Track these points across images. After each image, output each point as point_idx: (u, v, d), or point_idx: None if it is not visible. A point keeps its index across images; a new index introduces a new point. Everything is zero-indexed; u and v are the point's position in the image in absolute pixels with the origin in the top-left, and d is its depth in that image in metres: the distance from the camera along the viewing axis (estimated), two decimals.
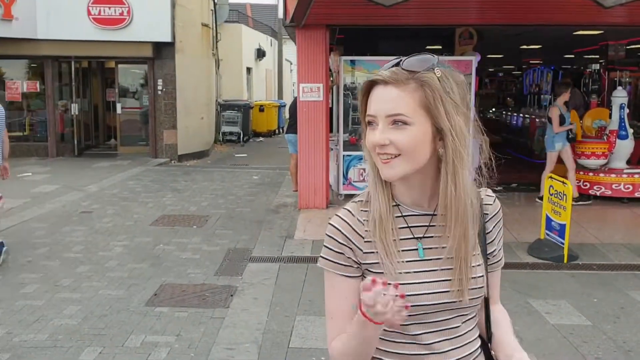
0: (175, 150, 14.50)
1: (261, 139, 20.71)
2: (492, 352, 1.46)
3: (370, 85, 1.33)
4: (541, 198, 8.56)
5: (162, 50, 14.15)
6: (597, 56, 15.97)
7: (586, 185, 8.95)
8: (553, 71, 14.86)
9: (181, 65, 14.45)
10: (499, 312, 1.51)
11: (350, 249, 1.35)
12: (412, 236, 1.37)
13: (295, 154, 9.36)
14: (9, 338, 4.37)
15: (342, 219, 1.38)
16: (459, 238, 1.32)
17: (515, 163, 13.00)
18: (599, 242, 6.86)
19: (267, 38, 28.05)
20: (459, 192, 1.31)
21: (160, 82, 14.31)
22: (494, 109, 18.53)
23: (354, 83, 8.83)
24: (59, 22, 13.33)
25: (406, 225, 1.37)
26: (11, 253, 6.43)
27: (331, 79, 9.46)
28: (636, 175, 8.96)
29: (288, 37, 19.88)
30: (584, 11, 7.66)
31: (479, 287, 1.37)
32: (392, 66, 1.32)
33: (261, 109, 21.15)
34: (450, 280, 1.33)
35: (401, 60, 1.32)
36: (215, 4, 18.04)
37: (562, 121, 8.60)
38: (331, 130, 9.20)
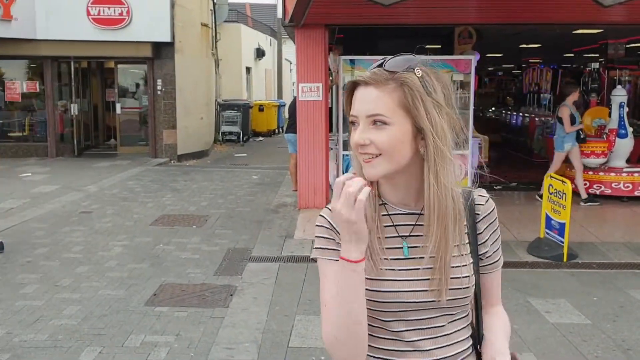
0: (174, 150, 14.50)
1: (261, 138, 20.71)
2: (481, 354, 1.45)
3: (353, 86, 1.35)
4: (541, 196, 8.56)
5: (162, 50, 14.15)
6: (597, 55, 15.97)
7: (586, 184, 8.93)
8: (553, 70, 14.86)
9: (181, 65, 14.45)
10: (494, 314, 1.49)
11: (337, 233, 1.36)
12: (397, 235, 1.38)
13: (294, 154, 9.36)
14: (8, 338, 4.37)
15: (329, 210, 1.39)
16: (440, 237, 1.33)
17: (514, 162, 13.02)
18: (598, 241, 6.86)
19: (267, 38, 28.05)
20: (441, 191, 1.31)
21: (159, 82, 14.31)
22: (493, 108, 18.52)
23: None
24: (58, 23, 13.33)
25: (392, 224, 1.38)
26: (11, 253, 6.44)
27: (330, 78, 9.46)
28: (636, 174, 8.96)
29: (287, 36, 19.87)
30: (583, 10, 7.66)
31: (464, 288, 1.36)
32: (376, 67, 1.33)
33: (261, 108, 21.15)
34: (433, 279, 1.33)
35: (385, 60, 1.33)
36: (214, 4, 18.04)
37: (572, 121, 8.54)
38: (331, 130, 9.20)
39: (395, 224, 1.38)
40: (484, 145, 11.17)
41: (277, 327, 4.60)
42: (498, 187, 10.24)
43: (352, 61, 8.87)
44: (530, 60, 19.50)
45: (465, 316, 1.43)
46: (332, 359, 1.36)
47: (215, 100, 18.49)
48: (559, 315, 4.81)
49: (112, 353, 4.14)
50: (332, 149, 9.06)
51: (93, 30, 13.51)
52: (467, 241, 1.40)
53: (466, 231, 1.41)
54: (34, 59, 14.48)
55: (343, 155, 8.87)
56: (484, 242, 1.43)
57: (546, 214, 6.46)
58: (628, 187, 8.88)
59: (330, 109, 9.63)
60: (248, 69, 23.92)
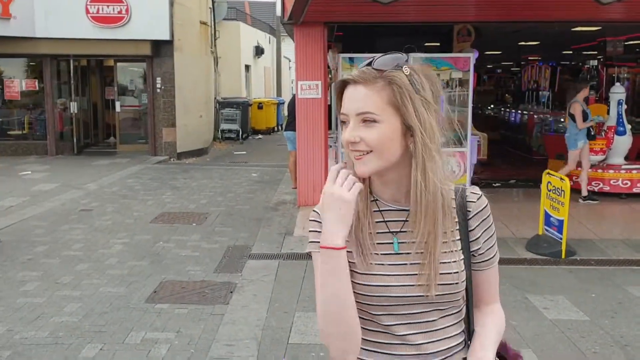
0: (174, 148, 14.51)
1: (260, 136, 20.72)
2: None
3: (343, 85, 1.38)
4: (587, 198, 8.57)
5: (161, 49, 14.16)
6: (596, 52, 15.99)
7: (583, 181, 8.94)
8: (551, 67, 14.88)
9: (180, 63, 14.46)
10: (489, 313, 1.49)
11: None
12: (388, 230, 1.40)
13: (294, 152, 9.37)
14: (9, 335, 4.39)
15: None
16: (428, 233, 1.35)
17: (513, 159, 13.05)
18: (597, 238, 6.88)
19: (266, 35, 28.04)
20: (428, 187, 1.33)
21: (159, 80, 14.32)
22: (492, 106, 18.54)
23: None
24: (57, 21, 13.33)
25: (382, 220, 1.41)
26: (11, 251, 6.46)
27: (330, 76, 9.48)
28: (634, 171, 8.99)
29: (286, 34, 19.87)
30: (582, 7, 7.67)
31: (454, 283, 1.37)
32: (364, 66, 1.36)
33: (260, 106, 21.16)
34: (422, 274, 1.35)
35: (373, 59, 1.35)
36: (213, 2, 18.04)
37: (584, 117, 8.52)
38: (330, 128, 9.22)
39: (386, 219, 1.41)
40: (483, 142, 11.18)
41: (277, 324, 4.63)
42: (497, 184, 10.27)
43: (351, 59, 8.87)
44: (529, 58, 19.51)
45: (458, 312, 1.44)
46: (328, 352, 1.38)
47: (215, 98, 18.50)
48: (557, 311, 4.83)
49: (112, 350, 4.16)
50: (331, 146, 9.07)
51: (92, 29, 13.51)
52: (458, 237, 1.41)
53: (457, 228, 1.42)
54: (33, 57, 14.48)
55: (342, 152, 8.90)
56: (475, 239, 1.44)
57: (545, 211, 6.49)
58: (626, 184, 8.91)
59: (330, 106, 9.65)
60: (247, 67, 23.92)
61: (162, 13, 13.78)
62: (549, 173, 6.61)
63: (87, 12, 13.45)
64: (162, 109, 14.39)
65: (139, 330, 4.50)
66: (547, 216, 6.45)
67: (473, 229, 1.43)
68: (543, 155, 11.83)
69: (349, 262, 1.34)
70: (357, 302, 1.34)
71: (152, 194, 9.87)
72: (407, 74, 1.33)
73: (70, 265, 6.10)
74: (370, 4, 6.64)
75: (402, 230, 1.39)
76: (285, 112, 12.30)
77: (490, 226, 1.46)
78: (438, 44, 12.36)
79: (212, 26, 17.82)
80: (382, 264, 1.37)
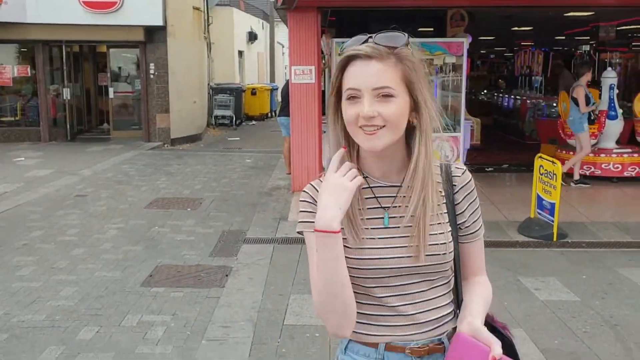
0: (168, 134, 14.49)
1: (254, 122, 20.69)
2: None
3: (348, 60, 1.39)
4: (579, 182, 8.66)
5: (154, 34, 14.08)
6: (588, 37, 16.02)
7: (574, 166, 9.01)
8: (544, 52, 14.90)
9: (173, 49, 14.39)
10: (477, 284, 1.53)
11: None
12: (379, 206, 1.44)
13: (288, 137, 9.39)
14: (7, 319, 4.42)
15: (312, 186, 1.47)
16: (420, 204, 1.40)
17: (506, 144, 13.11)
18: (588, 221, 6.96)
19: (259, 21, 27.89)
20: (429, 159, 1.41)
21: (152, 66, 14.25)
22: (485, 91, 18.57)
23: None
24: (48, 6, 13.21)
25: (373, 196, 1.45)
26: (6, 237, 6.48)
27: (323, 61, 9.47)
28: (625, 155, 9.06)
29: (280, 20, 19.80)
30: None
31: (442, 254, 1.42)
32: (362, 42, 1.39)
33: (253, 92, 21.10)
34: (411, 246, 1.40)
35: (371, 37, 1.39)
36: None
37: (587, 101, 8.57)
38: (324, 113, 9.23)
39: (377, 196, 1.45)
40: (476, 127, 11.23)
41: (272, 306, 4.68)
42: (490, 169, 10.33)
43: (344, 44, 8.87)
44: (522, 43, 19.51)
45: (447, 283, 1.49)
46: (325, 326, 1.42)
47: (208, 84, 18.44)
48: (549, 292, 4.90)
49: (109, 332, 4.20)
50: (325, 131, 9.10)
51: (84, 14, 13.40)
52: (444, 211, 1.46)
53: (444, 201, 1.47)
54: (25, 43, 14.38)
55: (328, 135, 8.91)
56: (461, 212, 1.49)
57: (537, 195, 6.55)
58: (617, 168, 8.98)
59: (323, 92, 9.66)
60: (240, 53, 23.82)
61: None
62: (541, 157, 6.66)
63: None
64: (155, 95, 14.35)
65: (135, 313, 4.55)
66: (539, 199, 6.51)
67: (459, 203, 1.49)
68: (535, 140, 11.90)
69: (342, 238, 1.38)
70: (351, 276, 1.37)
71: (146, 180, 9.88)
72: (412, 52, 1.39)
73: (66, 250, 6.12)
74: None
75: (392, 205, 1.44)
76: (279, 98, 12.27)
77: (475, 199, 1.51)
78: (431, 29, 12.34)
79: (205, 12, 17.72)
80: (373, 238, 1.41)
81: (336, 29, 11.02)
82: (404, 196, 1.42)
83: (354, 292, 1.39)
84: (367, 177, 1.46)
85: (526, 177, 9.04)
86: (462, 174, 1.50)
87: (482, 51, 23.79)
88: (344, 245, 1.37)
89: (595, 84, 10.88)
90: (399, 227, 1.42)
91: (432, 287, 1.46)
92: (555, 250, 6.04)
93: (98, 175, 10.33)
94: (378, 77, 1.35)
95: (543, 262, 5.71)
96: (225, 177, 10.18)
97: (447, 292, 1.50)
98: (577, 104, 8.54)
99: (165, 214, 7.62)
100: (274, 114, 21.53)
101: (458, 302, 1.52)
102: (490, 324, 1.51)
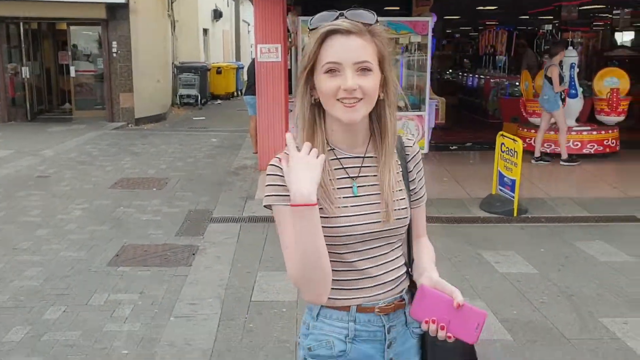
0: (132, 113, 14.27)
1: (219, 101, 20.50)
2: (412, 275, 1.63)
3: (327, 34, 1.44)
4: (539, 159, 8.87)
5: (116, 12, 13.78)
6: (551, 17, 16.26)
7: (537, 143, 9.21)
8: (508, 32, 15.08)
9: (136, 26, 14.12)
10: (423, 243, 1.68)
11: None
12: (347, 176, 1.53)
13: (254, 116, 9.35)
14: None
15: (278, 158, 1.49)
16: (386, 172, 1.52)
17: (470, 123, 13.30)
18: (548, 197, 7.16)
19: None
20: (395, 131, 1.52)
21: (114, 44, 13.97)
22: (450, 70, 18.74)
23: None
24: None
25: (341, 167, 1.53)
26: None
27: (289, 40, 9.43)
28: (584, 133, 9.30)
29: None
30: None
31: (405, 218, 1.55)
32: (335, 19, 1.45)
33: (219, 71, 20.87)
34: (378, 212, 1.51)
35: (342, 13, 1.45)
36: None
37: (560, 80, 8.73)
38: (290, 92, 9.22)
39: (345, 166, 1.53)
40: (441, 106, 11.38)
41: (240, 283, 4.72)
42: (454, 147, 10.50)
43: (311, 20, 8.85)
44: (487, 23, 19.71)
45: (402, 245, 1.62)
46: (303, 295, 1.48)
47: (172, 63, 18.16)
48: (508, 265, 5.06)
49: (76, 311, 4.20)
50: (292, 110, 9.10)
51: None
52: (401, 179, 1.58)
53: (400, 170, 1.59)
54: None
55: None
56: (413, 180, 1.63)
57: (499, 172, 6.70)
58: (577, 145, 9.22)
59: (290, 70, 9.63)
60: (205, 31, 23.47)
61: None
62: (502, 135, 6.80)
63: None
64: (118, 73, 14.09)
65: (102, 292, 4.54)
66: (501, 176, 6.67)
67: (411, 171, 1.62)
68: (499, 118, 12.10)
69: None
70: (326, 244, 1.43)
71: (110, 160, 9.75)
72: (383, 29, 1.47)
73: (29, 231, 6.04)
74: None
75: (359, 175, 1.53)
76: (245, 77, 12.18)
77: (422, 168, 1.66)
78: (397, 8, 12.38)
79: None
80: (346, 207, 1.49)
81: (302, 7, 10.97)
82: (370, 166, 1.52)
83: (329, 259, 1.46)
84: (334, 149, 1.53)
85: (489, 155, 9.19)
86: (413, 144, 1.64)
87: (447, 30, 23.95)
88: (320, 216, 1.42)
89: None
90: (367, 195, 1.51)
91: (392, 249, 1.57)
92: (516, 225, 6.22)
93: (60, 155, 10.16)
94: (359, 52, 1.42)
95: (503, 236, 5.87)
96: (191, 157, 10.13)
97: (402, 254, 1.63)
98: (551, 83, 8.72)
99: (131, 194, 7.56)
100: (240, 93, 21.35)
101: (409, 261, 1.65)
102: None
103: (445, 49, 21.94)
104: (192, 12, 21.17)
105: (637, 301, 4.35)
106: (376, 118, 1.53)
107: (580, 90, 9.55)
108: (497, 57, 15.04)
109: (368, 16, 1.45)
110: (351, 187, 1.52)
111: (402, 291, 1.59)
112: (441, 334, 1.43)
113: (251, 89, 9.39)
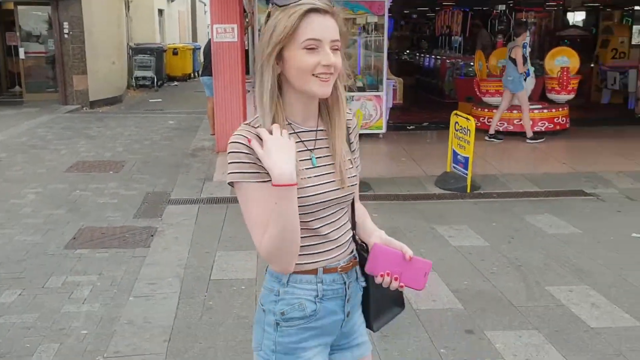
0: (86, 96, 13.98)
1: (176, 83, 20.23)
2: (357, 236, 1.78)
3: (305, 12, 1.50)
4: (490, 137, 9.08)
5: None
6: None
7: (490, 122, 9.44)
8: (463, 12, 15.28)
9: (88, 7, 13.78)
10: (361, 208, 1.83)
11: (256, 158, 1.51)
12: (305, 149, 1.62)
13: (211, 97, 9.30)
14: None
15: (241, 135, 1.54)
16: (339, 143, 1.64)
17: (427, 103, 13.50)
18: (500, 173, 7.38)
19: None
20: (344, 105, 1.65)
21: (66, 25, 13.61)
22: (408, 51, 18.89)
23: None
24: None
25: (300, 140, 1.62)
26: None
27: (246, 20, 9.38)
28: (536, 111, 9.57)
29: None
30: None
31: (354, 185, 1.70)
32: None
33: (175, 52, 20.57)
34: (334, 180, 1.62)
35: None
36: None
37: (523, 61, 8.92)
38: (247, 72, 9.20)
39: (302, 140, 1.62)
40: (399, 87, 11.52)
41: (199, 263, 4.76)
42: (411, 127, 10.66)
43: (267, 2, 8.82)
44: (444, 3, 19.88)
45: (348, 209, 1.75)
46: (272, 266, 1.60)
47: (127, 44, 17.81)
48: (461, 239, 5.23)
49: (32, 294, 4.17)
50: (249, 91, 9.08)
51: None
52: (347, 148, 1.71)
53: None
54: None
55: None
56: (354, 150, 1.76)
57: (453, 150, 6.87)
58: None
59: (247, 51, 9.59)
60: (160, 11, 23.04)
61: None
62: (456, 114, 6.96)
63: None
64: (71, 55, 13.76)
65: (59, 275, 4.51)
66: (455, 154, 6.84)
67: (352, 142, 1.75)
68: (455, 98, 12.31)
69: None
70: None
71: (65, 144, 9.58)
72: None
73: None
74: None
75: (315, 147, 1.63)
76: (202, 58, 12.07)
77: (359, 140, 1.81)
78: None
79: None
80: (310, 177, 1.59)
81: None
82: (322, 138, 1.64)
83: None
84: (291, 123, 1.61)
85: (445, 134, 9.35)
86: (352, 117, 1.76)
87: (405, 11, 24.07)
88: None
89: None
90: (324, 165, 1.62)
91: (344, 214, 1.71)
92: (469, 200, 6.40)
93: (12, 139, 9.92)
94: (334, 31, 1.53)
95: (457, 212, 6.05)
96: (148, 139, 10.02)
97: (349, 218, 1.76)
98: (515, 64, 8.92)
99: (87, 177, 7.47)
100: (197, 74, 21.09)
101: (353, 221, 1.78)
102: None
103: (403, 29, 22.09)
104: None
105: (582, 271, 4.56)
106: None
107: (532, 69, 9.79)
108: (452, 37, 15.25)
109: None
110: (310, 159, 1.61)
111: (353, 250, 1.74)
112: (394, 284, 1.62)
113: (208, 70, 9.32)
